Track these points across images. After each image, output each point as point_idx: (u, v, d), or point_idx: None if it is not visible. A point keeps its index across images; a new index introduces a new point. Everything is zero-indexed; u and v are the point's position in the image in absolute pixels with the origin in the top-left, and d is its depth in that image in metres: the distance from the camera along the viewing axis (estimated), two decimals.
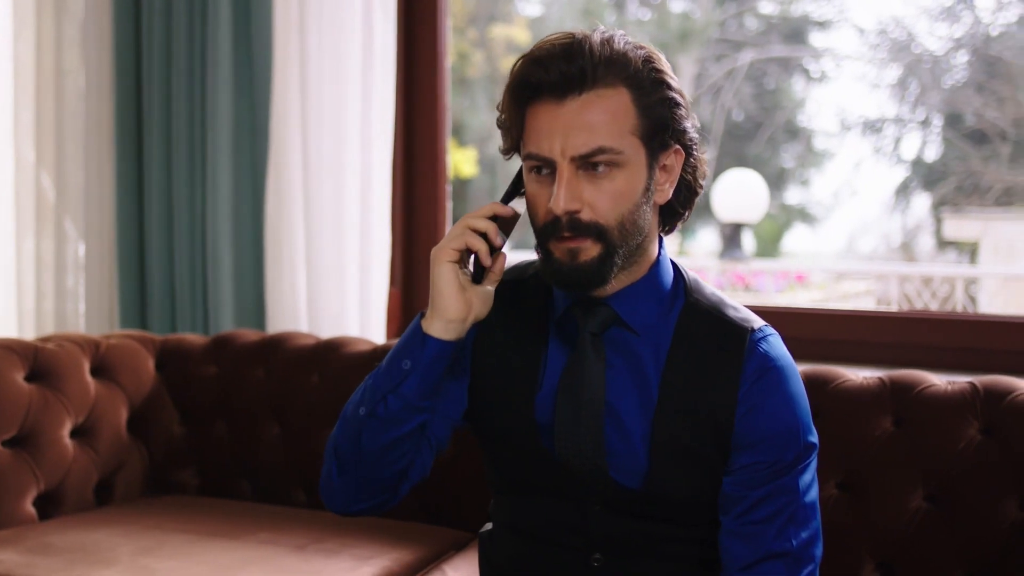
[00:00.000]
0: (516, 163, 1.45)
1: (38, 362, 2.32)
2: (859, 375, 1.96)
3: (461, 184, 9.84)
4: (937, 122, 9.43)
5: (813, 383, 1.89)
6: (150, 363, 2.50)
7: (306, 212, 2.64)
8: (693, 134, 1.40)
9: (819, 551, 1.42)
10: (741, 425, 1.39)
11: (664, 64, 1.37)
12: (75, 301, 2.93)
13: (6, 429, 2.23)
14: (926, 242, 9.92)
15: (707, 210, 8.11)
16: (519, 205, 1.43)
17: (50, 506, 2.29)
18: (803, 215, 10.73)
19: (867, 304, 8.19)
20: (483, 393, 1.50)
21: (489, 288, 1.42)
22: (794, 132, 10.18)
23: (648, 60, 1.36)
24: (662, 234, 1.46)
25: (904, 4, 9.22)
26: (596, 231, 1.34)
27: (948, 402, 1.85)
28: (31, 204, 2.89)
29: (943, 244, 9.43)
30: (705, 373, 1.41)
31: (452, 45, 2.90)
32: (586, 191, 1.34)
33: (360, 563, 2.01)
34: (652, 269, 1.44)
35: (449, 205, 2.88)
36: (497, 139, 1.45)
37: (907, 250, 9.94)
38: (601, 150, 1.32)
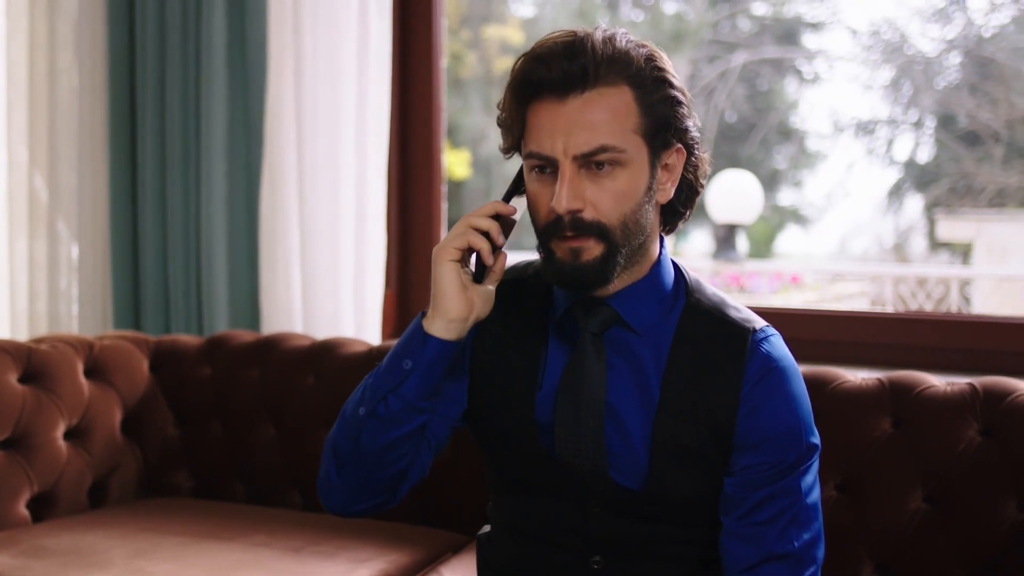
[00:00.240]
0: (511, 164, 1.44)
1: (31, 363, 2.31)
2: (858, 376, 1.95)
3: (454, 186, 9.81)
4: (930, 123, 9.45)
5: (812, 384, 1.87)
6: (144, 364, 2.49)
7: (301, 212, 2.62)
8: (695, 133, 1.40)
9: (821, 552, 1.42)
10: (743, 426, 1.39)
11: (666, 63, 1.37)
12: (68, 302, 2.92)
13: None
14: (919, 243, 9.95)
15: (700, 211, 8.12)
16: (519, 204, 1.42)
17: (43, 508, 2.28)
18: (796, 216, 10.75)
19: (861, 305, 8.20)
20: (483, 393, 1.49)
21: (490, 287, 1.42)
22: (787, 133, 10.20)
23: (650, 58, 1.35)
24: (663, 234, 1.45)
25: (897, 5, 9.25)
26: (599, 230, 1.33)
27: (947, 403, 1.84)
28: (24, 205, 2.88)
29: (936, 245, 9.45)
30: (706, 373, 1.40)
31: (446, 46, 2.90)
32: (588, 190, 1.33)
33: (356, 566, 2.00)
34: (653, 269, 1.43)
35: (444, 206, 2.87)
36: (491, 141, 1.45)
37: (900, 251, 9.96)
38: (603, 148, 1.31)
